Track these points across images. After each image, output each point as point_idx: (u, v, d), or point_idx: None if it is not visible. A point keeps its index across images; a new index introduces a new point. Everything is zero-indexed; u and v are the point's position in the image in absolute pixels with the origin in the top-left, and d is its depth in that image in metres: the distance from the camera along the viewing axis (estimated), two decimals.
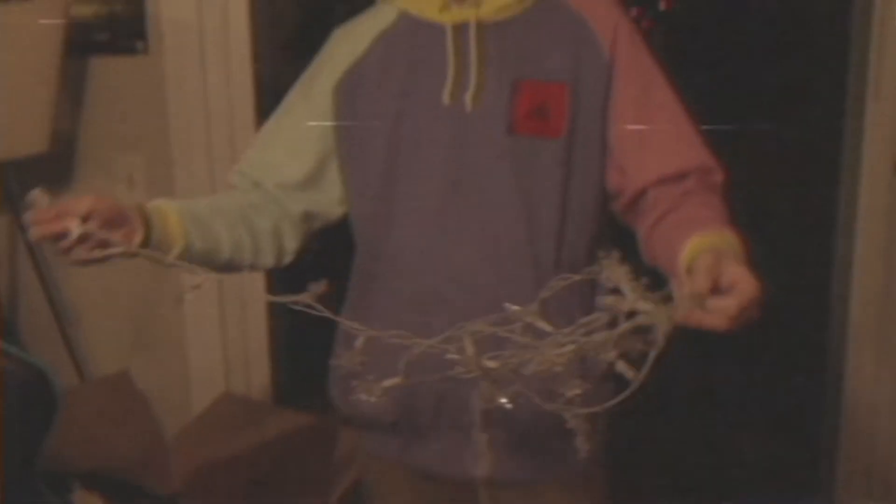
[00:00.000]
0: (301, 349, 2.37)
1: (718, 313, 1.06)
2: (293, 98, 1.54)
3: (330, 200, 1.52)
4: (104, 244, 1.22)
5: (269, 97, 2.27)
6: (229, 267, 1.45)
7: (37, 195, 1.22)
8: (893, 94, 2.33)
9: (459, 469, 1.48)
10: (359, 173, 1.50)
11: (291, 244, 1.52)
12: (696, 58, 2.56)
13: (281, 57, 2.40)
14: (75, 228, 1.19)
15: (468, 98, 1.42)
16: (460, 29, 1.43)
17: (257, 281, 2.27)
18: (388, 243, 1.46)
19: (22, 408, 1.79)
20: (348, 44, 1.50)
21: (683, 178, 1.40)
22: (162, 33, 2.19)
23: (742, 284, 1.08)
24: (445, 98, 1.42)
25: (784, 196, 2.68)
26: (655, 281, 1.09)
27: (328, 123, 1.49)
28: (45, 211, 1.21)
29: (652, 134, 1.42)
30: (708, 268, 1.09)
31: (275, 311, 2.38)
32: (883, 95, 2.35)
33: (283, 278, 2.20)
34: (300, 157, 1.51)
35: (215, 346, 2.35)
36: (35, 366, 1.81)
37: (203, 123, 2.24)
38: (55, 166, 2.19)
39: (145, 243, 1.28)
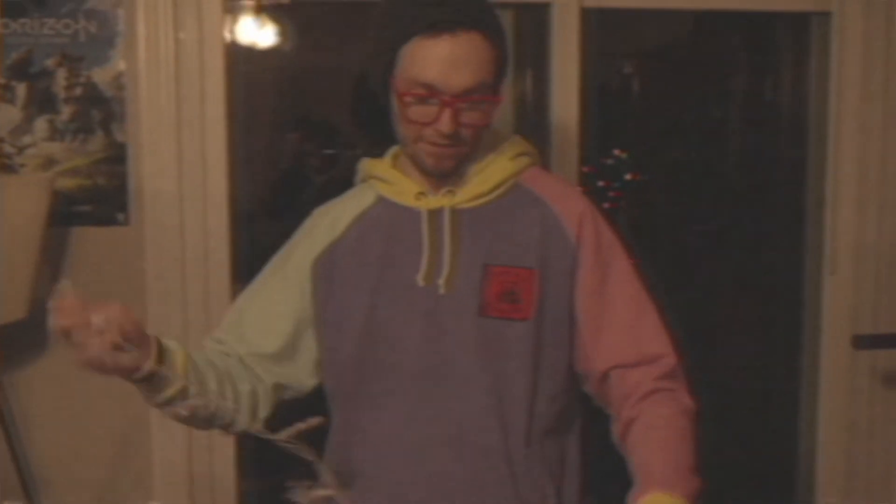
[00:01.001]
0: None
1: None
2: (268, 273, 1.55)
3: (302, 373, 1.52)
4: (119, 350, 1.22)
5: (244, 267, 2.25)
6: (207, 422, 1.43)
7: (66, 285, 1.21)
8: (848, 267, 2.37)
9: None
10: (334, 351, 1.49)
11: (264, 411, 1.50)
12: (662, 223, 2.61)
13: (258, 228, 2.42)
14: (97, 321, 1.19)
15: (441, 281, 1.43)
16: (435, 214, 1.46)
17: (228, 448, 2.29)
18: (361, 422, 1.46)
19: None
20: (327, 223, 1.52)
21: (640, 364, 1.42)
22: (143, 205, 2.18)
23: None
24: (420, 281, 1.43)
25: (748, 372, 2.72)
26: None
27: (299, 299, 1.49)
28: (72, 301, 1.21)
29: (611, 321, 1.44)
30: None
31: (242, 475, 2.34)
32: (839, 270, 2.39)
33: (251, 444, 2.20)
34: (273, 333, 1.51)
35: None
36: None
37: (179, 292, 2.22)
38: (33, 332, 2.03)
39: (151, 373, 1.28)
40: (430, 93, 1.36)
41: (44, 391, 2.22)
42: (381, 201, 1.51)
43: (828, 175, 2.39)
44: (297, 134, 2.60)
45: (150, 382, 1.31)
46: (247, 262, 2.26)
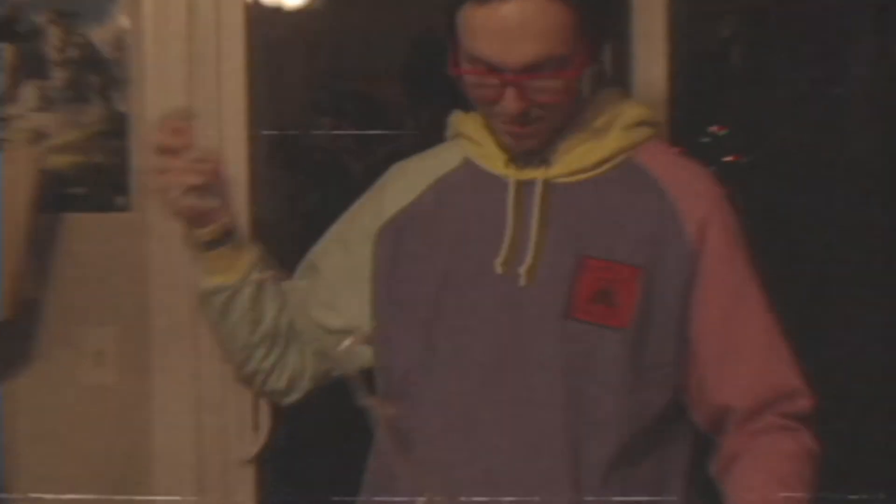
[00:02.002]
0: None
1: None
2: (331, 239, 1.53)
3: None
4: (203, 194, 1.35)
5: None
6: (247, 359, 1.48)
7: (188, 110, 1.38)
8: None
9: None
10: (394, 335, 1.44)
11: (306, 382, 1.52)
12: (768, 215, 2.50)
13: (280, 211, 2.29)
14: (199, 153, 1.33)
15: (523, 271, 1.35)
16: (525, 186, 1.38)
17: (247, 476, 2.11)
18: (415, 418, 1.39)
19: None
20: (402, 184, 1.47)
21: (768, 404, 1.35)
22: (147, 187, 1.98)
23: None
24: (498, 267, 1.35)
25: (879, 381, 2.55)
26: None
27: (362, 270, 1.47)
28: (186, 125, 1.35)
29: (741, 352, 1.36)
30: None
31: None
32: None
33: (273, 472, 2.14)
34: (337, 307, 1.49)
35: None
36: None
37: (188, 288, 1.95)
38: (18, 338, 2.06)
39: (226, 231, 1.42)
40: (488, 70, 1.28)
41: (25, 402, 2.12)
42: (467, 164, 1.44)
43: None
44: (329, 118, 2.53)
45: (217, 251, 1.42)
46: (270, 253, 2.15)
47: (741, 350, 1.36)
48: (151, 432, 2.09)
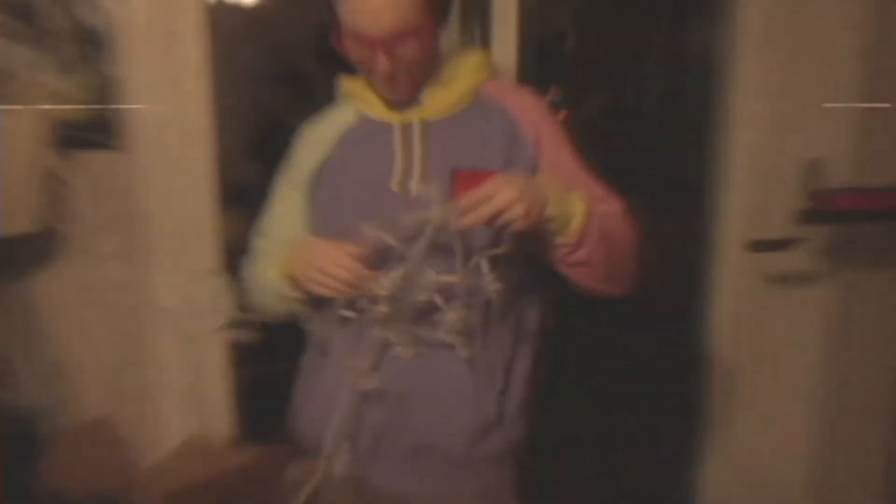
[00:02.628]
0: (255, 398, 2.36)
1: (489, 211, 1.22)
2: (283, 188, 1.55)
3: None
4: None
5: (227, 184, 2.21)
6: (270, 310, 1.55)
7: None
8: (746, 184, 2.32)
9: (389, 486, 1.47)
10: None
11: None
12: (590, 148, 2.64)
13: (240, 149, 2.33)
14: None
15: (413, 185, 1.39)
16: (407, 127, 1.42)
17: (219, 341, 2.24)
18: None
19: (16, 444, 1.86)
20: (315, 143, 1.50)
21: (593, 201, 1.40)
22: (135, 131, 2.07)
23: (497, 193, 1.22)
24: (394, 186, 1.39)
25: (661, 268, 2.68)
26: None
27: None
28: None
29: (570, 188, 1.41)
30: (482, 188, 1.23)
31: (236, 364, 2.31)
32: (739, 186, 2.34)
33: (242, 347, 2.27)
34: (295, 230, 1.51)
35: (183, 395, 2.24)
36: (27, 408, 1.91)
37: (167, 209, 2.13)
38: (42, 245, 2.09)
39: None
40: (362, 39, 1.32)
41: (51, 293, 2.15)
42: (360, 117, 1.47)
43: (731, 108, 2.33)
44: (275, 87, 2.50)
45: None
46: (233, 185, 2.22)
47: (579, 187, 1.40)
48: (149, 310, 2.16)
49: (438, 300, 1.35)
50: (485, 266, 1.35)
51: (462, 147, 1.40)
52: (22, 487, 1.87)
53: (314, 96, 1.60)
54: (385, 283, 1.34)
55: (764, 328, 2.38)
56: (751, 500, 2.48)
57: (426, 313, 1.38)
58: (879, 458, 2.38)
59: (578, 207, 1.32)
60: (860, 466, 2.48)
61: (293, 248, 1.45)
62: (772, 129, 2.24)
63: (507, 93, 1.46)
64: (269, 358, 2.19)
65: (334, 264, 1.33)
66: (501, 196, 1.23)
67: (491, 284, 1.35)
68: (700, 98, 2.46)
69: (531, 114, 1.43)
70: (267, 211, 1.56)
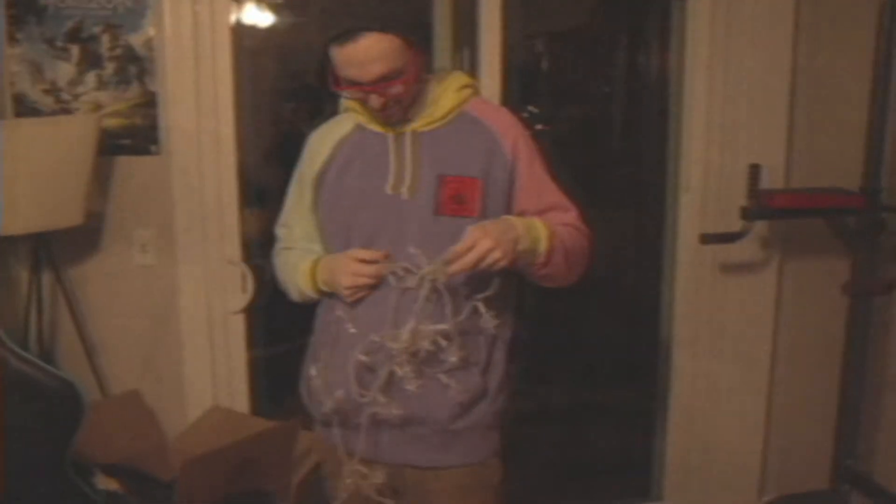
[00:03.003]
0: (272, 374, 2.46)
1: (470, 261, 1.29)
2: (294, 191, 1.59)
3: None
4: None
5: (249, 185, 2.30)
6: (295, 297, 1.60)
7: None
8: (698, 186, 2.45)
9: (388, 456, 1.51)
10: (330, 244, 1.53)
11: None
12: (563, 159, 2.68)
13: (258, 157, 2.42)
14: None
15: (405, 189, 1.43)
16: (400, 137, 1.46)
17: (238, 323, 2.33)
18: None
19: (58, 412, 1.83)
20: (318, 149, 1.53)
21: (551, 210, 1.48)
22: (169, 140, 2.18)
23: (476, 244, 1.29)
24: (388, 189, 1.44)
25: (626, 259, 2.85)
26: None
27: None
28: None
29: (551, 204, 1.49)
30: (463, 241, 1.31)
31: (252, 345, 2.38)
32: (690, 188, 2.48)
33: (259, 323, 2.38)
34: (314, 236, 1.56)
35: (206, 372, 2.31)
36: (69, 381, 1.83)
37: (199, 207, 2.23)
38: (88, 236, 2.19)
39: None
40: (354, 83, 1.37)
41: (93, 278, 2.25)
42: (359, 128, 1.50)
43: (683, 122, 2.47)
44: (292, 104, 2.60)
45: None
46: (253, 186, 2.33)
47: (549, 198, 1.49)
48: (178, 295, 2.26)
49: (442, 343, 1.38)
50: (482, 308, 1.39)
51: (448, 155, 1.43)
52: (64, 454, 1.82)
53: (324, 110, 1.61)
54: (402, 336, 1.36)
55: (716, 309, 2.48)
56: (707, 463, 2.55)
57: (431, 354, 1.41)
58: (822, 423, 2.45)
59: (542, 233, 1.39)
60: (806, 432, 2.57)
61: (319, 266, 1.50)
62: (718, 140, 2.39)
63: (487, 109, 1.50)
64: (282, 340, 2.30)
65: (352, 277, 1.41)
66: (480, 246, 1.28)
67: (490, 322, 1.40)
68: (657, 113, 2.60)
69: (508, 128, 1.47)
70: (285, 205, 1.63)
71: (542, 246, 1.40)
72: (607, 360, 2.83)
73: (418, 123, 1.46)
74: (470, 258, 1.29)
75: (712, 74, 2.37)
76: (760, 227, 2.39)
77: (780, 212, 2.25)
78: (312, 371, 1.51)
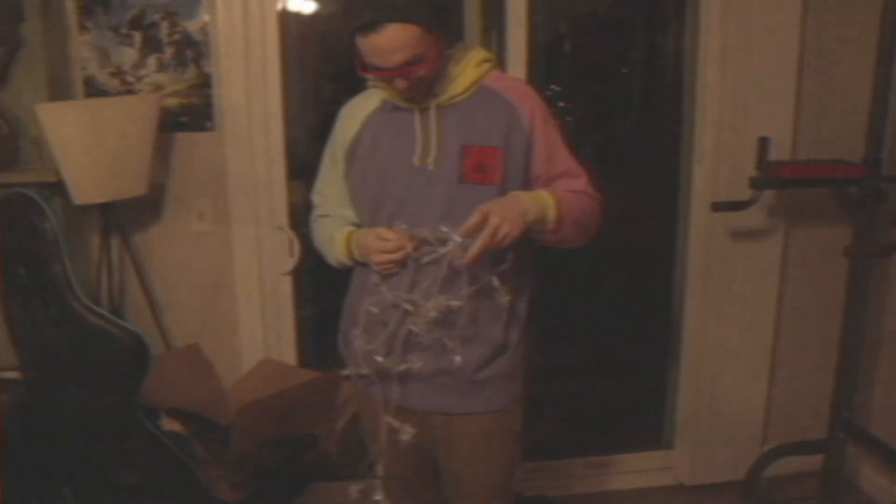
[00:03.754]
0: (316, 330, 2.49)
1: (482, 243, 1.30)
2: (327, 161, 1.60)
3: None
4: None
5: (295, 159, 2.33)
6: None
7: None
8: (710, 158, 2.46)
9: (419, 404, 1.53)
10: (361, 211, 1.54)
11: None
12: (584, 133, 2.66)
13: (304, 133, 2.43)
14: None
15: (431, 160, 1.43)
16: (425, 111, 1.45)
17: (286, 284, 2.36)
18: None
19: (128, 361, 1.93)
20: (349, 122, 1.53)
21: (564, 176, 1.48)
22: (223, 117, 2.23)
23: (490, 221, 1.30)
24: (415, 160, 1.44)
25: (642, 225, 2.84)
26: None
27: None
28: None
29: (564, 172, 1.49)
30: (473, 217, 1.32)
31: (299, 304, 2.41)
32: (703, 160, 2.50)
33: (305, 285, 2.39)
34: (347, 204, 1.57)
35: (258, 328, 2.38)
36: (138, 335, 1.95)
37: (250, 179, 2.29)
38: (151, 205, 2.24)
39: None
40: (379, 69, 1.37)
41: (157, 243, 2.30)
42: (386, 103, 1.50)
43: (697, 100, 2.48)
44: (333, 85, 2.56)
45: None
46: (298, 160, 2.32)
47: (562, 165, 1.48)
48: (233, 258, 2.32)
49: (457, 305, 1.40)
50: (496, 282, 1.40)
51: (470, 126, 1.42)
52: (133, 398, 1.91)
53: (362, 91, 1.58)
54: (421, 305, 1.38)
55: (726, 271, 2.49)
56: (714, 415, 2.58)
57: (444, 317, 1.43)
58: (822, 378, 2.46)
59: (550, 201, 1.38)
60: (806, 386, 2.60)
61: (352, 242, 1.51)
62: (730, 114, 2.38)
63: (506, 82, 1.49)
64: (325, 300, 2.33)
65: (381, 254, 1.40)
66: (491, 223, 1.28)
67: (503, 296, 1.41)
68: (672, 90, 2.60)
69: (526, 99, 1.45)
70: (319, 173, 1.63)
71: (551, 214, 1.40)
72: (623, 318, 2.84)
73: (442, 98, 1.44)
74: (483, 241, 1.30)
75: (725, 54, 2.36)
76: (768, 196, 2.41)
77: (786, 182, 2.27)
78: (353, 333, 1.52)
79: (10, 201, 1.94)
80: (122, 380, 1.94)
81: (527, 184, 1.45)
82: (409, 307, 1.41)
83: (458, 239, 1.33)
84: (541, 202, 1.39)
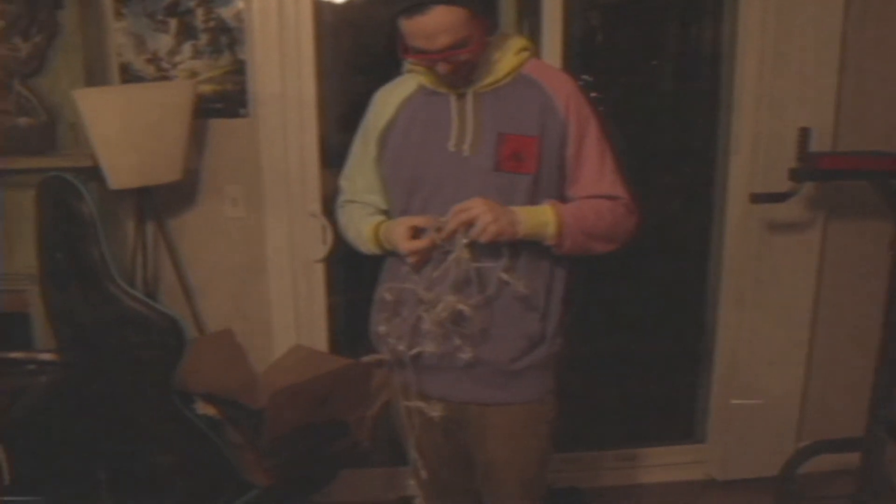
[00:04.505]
0: (347, 317, 2.48)
1: (457, 220, 1.32)
2: (358, 146, 1.57)
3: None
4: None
5: (327, 146, 2.30)
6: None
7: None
8: (747, 149, 2.41)
9: (454, 394, 1.52)
10: (393, 197, 1.52)
11: None
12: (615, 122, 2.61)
13: (337, 120, 2.40)
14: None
15: (466, 146, 1.41)
16: (461, 97, 1.43)
17: (318, 271, 2.37)
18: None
19: (164, 345, 1.92)
20: (383, 107, 1.51)
21: (598, 198, 1.46)
22: (257, 104, 2.21)
23: (475, 204, 1.32)
24: (451, 147, 1.42)
25: (677, 217, 2.82)
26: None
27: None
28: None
29: (586, 163, 1.46)
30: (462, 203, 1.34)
31: (331, 291, 2.40)
32: (740, 151, 2.45)
33: (337, 272, 2.37)
34: (376, 190, 1.55)
35: (290, 314, 2.37)
36: (173, 318, 1.92)
37: (283, 164, 2.28)
38: (186, 190, 2.24)
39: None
40: (423, 52, 1.35)
41: (190, 228, 2.31)
42: (422, 88, 1.48)
43: (734, 89, 2.43)
44: (365, 74, 2.54)
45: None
46: (331, 147, 2.28)
47: (587, 165, 1.45)
48: (265, 245, 2.31)
49: (466, 310, 1.40)
50: (505, 277, 1.40)
51: (507, 114, 1.40)
52: (169, 382, 1.90)
53: (394, 79, 1.55)
54: (435, 306, 1.39)
55: (762, 264, 2.45)
56: (748, 409, 2.53)
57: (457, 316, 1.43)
58: (860, 374, 2.40)
59: (549, 216, 1.37)
60: (843, 382, 2.55)
61: (380, 233, 1.51)
62: (768, 105, 2.34)
63: (543, 71, 1.47)
64: (357, 287, 2.18)
65: (408, 246, 1.40)
66: (475, 208, 1.32)
67: (523, 289, 1.40)
68: (710, 80, 2.55)
69: (564, 89, 1.43)
70: (349, 158, 1.61)
71: (551, 230, 1.39)
72: (657, 310, 2.82)
73: (479, 85, 1.43)
74: (465, 215, 1.32)
75: (763, 43, 2.31)
76: (807, 187, 2.37)
77: (827, 173, 2.22)
78: (381, 327, 1.53)
79: (48, 185, 1.93)
80: (158, 363, 1.93)
81: (561, 173, 1.44)
82: (425, 315, 1.41)
83: (464, 240, 1.34)
84: (537, 217, 1.38)
